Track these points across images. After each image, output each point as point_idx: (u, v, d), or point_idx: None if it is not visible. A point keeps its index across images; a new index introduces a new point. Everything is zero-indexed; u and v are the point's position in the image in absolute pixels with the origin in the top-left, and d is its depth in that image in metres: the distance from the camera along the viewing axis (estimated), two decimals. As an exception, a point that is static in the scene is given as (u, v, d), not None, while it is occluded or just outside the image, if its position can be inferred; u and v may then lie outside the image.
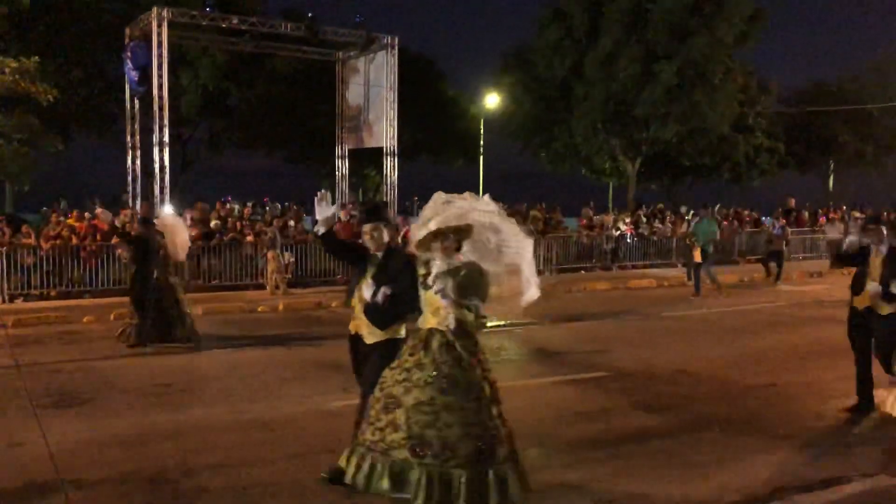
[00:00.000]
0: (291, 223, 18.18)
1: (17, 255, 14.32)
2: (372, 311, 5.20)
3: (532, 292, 5.07)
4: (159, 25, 18.01)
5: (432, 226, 4.89)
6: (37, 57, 17.69)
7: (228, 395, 7.89)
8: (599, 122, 29.23)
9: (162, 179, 18.66)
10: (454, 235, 4.90)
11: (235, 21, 19.72)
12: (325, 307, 14.24)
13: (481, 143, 32.95)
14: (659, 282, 18.12)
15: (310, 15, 20.44)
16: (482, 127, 33.08)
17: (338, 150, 24.42)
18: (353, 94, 23.48)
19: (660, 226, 22.71)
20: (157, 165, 18.65)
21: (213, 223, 17.33)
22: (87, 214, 16.68)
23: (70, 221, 16.42)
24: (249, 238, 16.69)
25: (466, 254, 4.99)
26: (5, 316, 12.50)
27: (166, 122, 18.60)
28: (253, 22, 20.17)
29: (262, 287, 15.82)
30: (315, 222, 5.66)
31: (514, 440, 4.96)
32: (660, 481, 5.42)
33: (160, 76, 18.24)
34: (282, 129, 30.47)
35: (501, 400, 5.00)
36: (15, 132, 18.84)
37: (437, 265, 4.90)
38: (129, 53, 19.29)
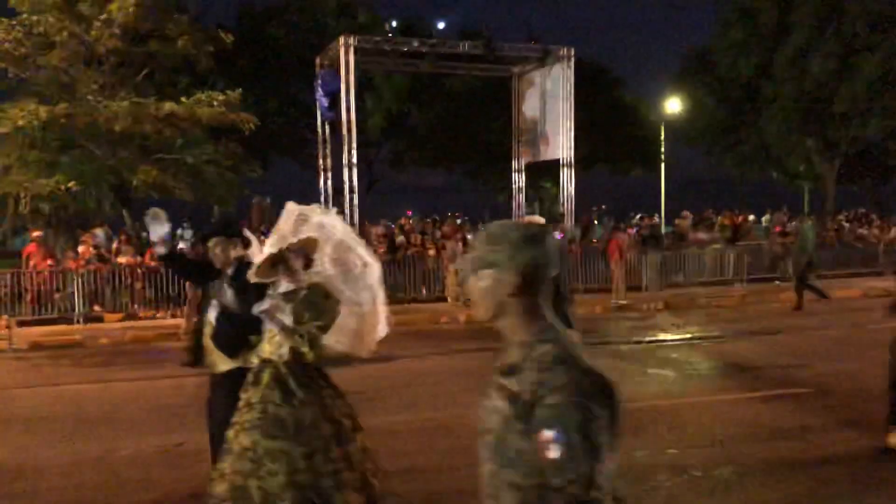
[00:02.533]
0: (470, 236, 18.59)
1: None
2: (219, 335, 4.74)
3: (383, 327, 4.67)
4: (346, 52, 19.08)
5: (268, 249, 4.37)
6: (240, 89, 19.32)
7: (413, 402, 8.18)
8: (792, 122, 27.50)
9: (351, 199, 19.70)
10: (296, 252, 4.33)
11: (416, 44, 20.51)
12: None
13: (661, 149, 31.97)
14: (864, 291, 16.71)
15: (486, 33, 20.86)
16: (662, 133, 32.12)
17: (514, 164, 24.64)
18: (529, 107, 23.63)
19: (865, 231, 20.97)
20: (346, 185, 19.72)
21: (398, 238, 18.08)
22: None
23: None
24: (431, 252, 17.24)
25: (327, 273, 4.49)
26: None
27: (354, 144, 19.63)
28: (433, 43, 20.88)
29: (444, 299, 16.28)
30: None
31: (374, 485, 4.33)
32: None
33: (348, 101, 19.30)
34: (459, 145, 31.22)
35: (357, 439, 4.36)
36: (223, 159, 20.62)
37: (282, 286, 4.35)
38: (319, 81, 20.60)
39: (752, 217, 22.59)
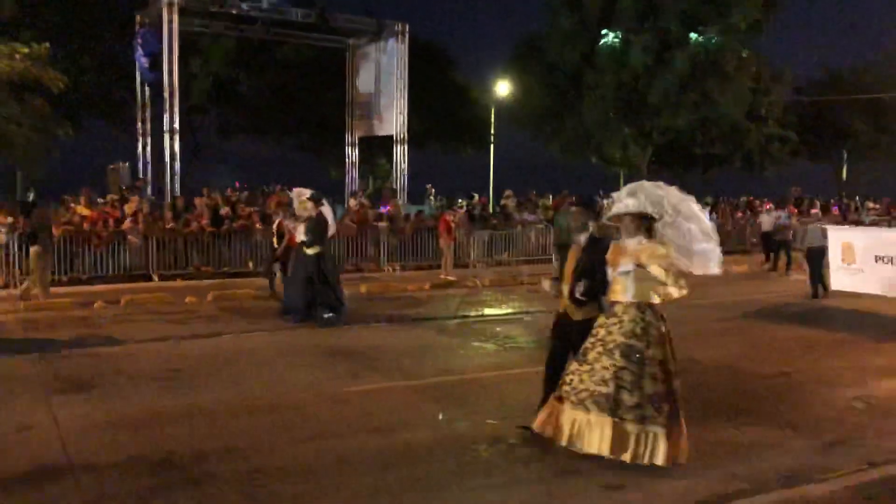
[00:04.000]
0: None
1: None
2: None
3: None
4: (169, 11, 18.02)
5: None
6: (47, 43, 17.71)
7: (238, 381, 7.92)
8: (611, 111, 29.08)
9: (172, 166, 18.71)
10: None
11: (246, 7, 19.71)
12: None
13: (492, 131, 32.84)
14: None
15: (321, 2, 20.41)
16: (493, 115, 32.97)
17: (348, 138, 24.42)
18: (364, 81, 23.46)
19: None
20: (167, 153, 18.70)
21: (222, 210, 17.39)
22: (100, 200, 16.76)
23: (80, 209, 16.49)
24: (258, 225, 16.71)
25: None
26: (17, 301, 12.60)
27: (177, 109, 18.63)
28: (264, 9, 20.14)
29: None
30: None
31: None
32: (664, 469, 5.39)
33: (170, 62, 18.27)
34: (291, 116, 30.45)
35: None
36: (26, 118, 18.86)
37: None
38: (139, 40, 19.34)
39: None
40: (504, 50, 60.81)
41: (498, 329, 11.17)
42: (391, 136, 22.49)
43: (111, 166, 20.46)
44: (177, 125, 18.71)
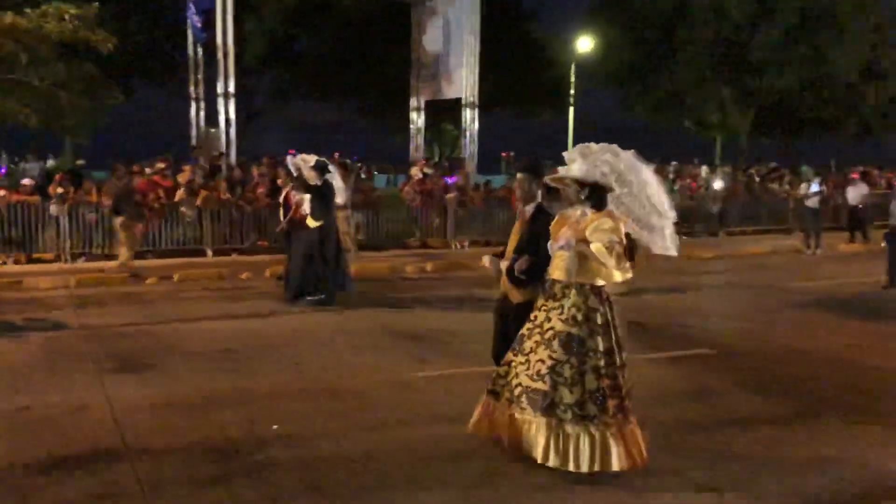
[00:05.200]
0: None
1: (80, 212, 14.98)
2: None
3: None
4: (223, -34, 18.32)
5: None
6: (96, 3, 18.22)
7: (299, 362, 8.11)
8: (707, 69, 28.37)
9: (228, 133, 19.09)
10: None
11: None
12: (398, 272, 14.44)
13: (571, 92, 32.47)
14: (773, 249, 17.67)
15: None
16: (573, 74, 32.57)
17: (412, 102, 24.48)
18: (431, 39, 23.45)
19: (775, 186, 22.05)
20: (221, 117, 19.08)
21: (279, 180, 17.67)
22: (147, 170, 17.24)
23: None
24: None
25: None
26: (68, 276, 13.14)
27: (232, 71, 18.97)
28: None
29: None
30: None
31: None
32: (767, 469, 5.32)
33: (224, 21, 18.59)
34: (352, 78, 30.69)
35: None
36: (74, 82, 19.46)
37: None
38: (191, -3, 19.71)
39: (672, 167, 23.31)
40: (586, 1, 59.78)
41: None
42: (460, 99, 22.45)
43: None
44: (232, 88, 19.07)
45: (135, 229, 14.09)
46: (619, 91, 32.68)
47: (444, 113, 28.52)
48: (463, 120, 22.41)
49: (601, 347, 5.06)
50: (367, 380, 7.44)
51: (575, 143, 25.54)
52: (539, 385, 5.07)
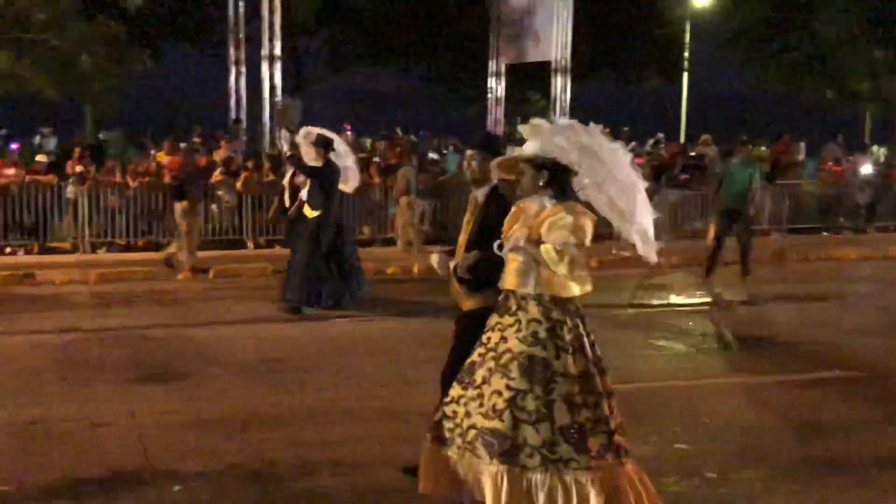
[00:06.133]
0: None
1: (101, 194, 15.40)
2: None
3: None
4: None
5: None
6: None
7: (352, 375, 8.20)
8: (856, 26, 27.69)
9: (272, 104, 19.33)
10: None
11: None
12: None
13: (685, 55, 31.98)
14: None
15: None
16: (688, 33, 32.09)
17: (491, 66, 24.45)
18: (515, -9, 23.39)
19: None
20: (266, 85, 19.33)
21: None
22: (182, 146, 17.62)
23: (160, 156, 17.44)
24: (377, 180, 17.09)
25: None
26: (87, 268, 13.53)
27: (278, 30, 19.19)
28: None
29: (391, 243, 16.25)
30: None
31: None
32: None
33: (269, -29, 18.85)
34: (420, 39, 30.77)
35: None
36: (97, 43, 19.96)
37: None
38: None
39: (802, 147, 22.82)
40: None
41: (690, 323, 10.98)
42: (549, 63, 22.36)
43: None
44: (278, 51, 19.29)
45: (199, 218, 14.30)
46: (744, 54, 32.07)
47: (529, 79, 28.41)
48: (552, 88, 22.32)
49: (573, 370, 4.64)
50: (432, 398, 7.46)
51: (689, 116, 25.00)
52: (496, 424, 4.61)
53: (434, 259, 5.59)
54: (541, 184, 4.75)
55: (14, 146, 18.69)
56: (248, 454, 6.10)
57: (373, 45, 31.70)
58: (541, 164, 4.72)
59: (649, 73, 33.70)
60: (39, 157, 16.69)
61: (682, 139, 28.70)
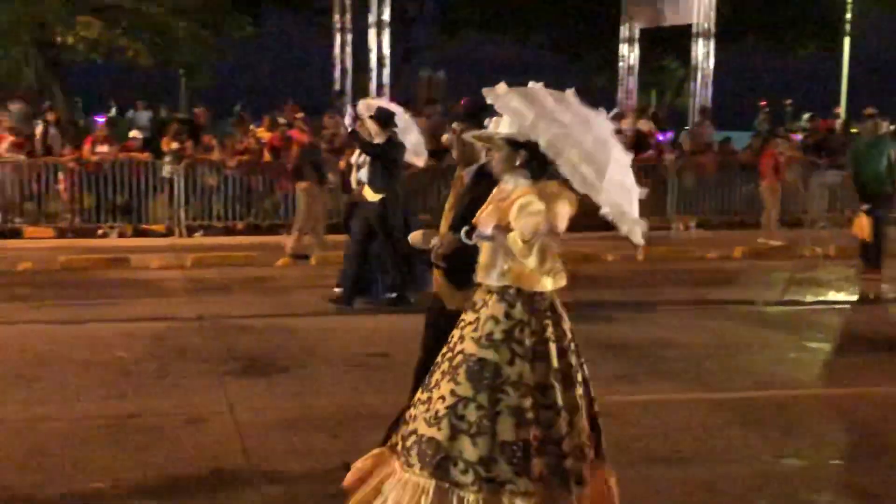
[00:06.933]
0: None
1: (198, 174, 15.83)
2: None
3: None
4: None
5: None
6: None
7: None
8: None
9: (381, 74, 19.53)
10: None
11: None
12: (598, 259, 14.41)
13: (847, 16, 31.07)
14: None
15: None
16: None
17: (623, 32, 24.21)
18: (650, -55, 23.11)
19: None
20: (373, 54, 19.54)
21: (445, 137, 17.98)
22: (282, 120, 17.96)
23: (260, 132, 17.80)
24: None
25: None
26: (183, 253, 13.96)
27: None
28: None
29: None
30: None
31: None
32: None
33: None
34: (541, 3, 30.67)
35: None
36: (193, 9, 20.37)
37: None
38: None
39: None
40: None
41: (848, 323, 10.77)
42: (689, 27, 22.00)
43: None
44: (387, 16, 19.48)
45: (321, 200, 14.43)
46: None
47: (666, 45, 28.04)
48: (693, 55, 21.95)
49: (528, 380, 4.44)
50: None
51: (850, 87, 24.32)
52: (433, 432, 4.48)
53: (416, 235, 5.26)
54: (517, 163, 4.59)
55: (101, 120, 18.95)
56: (355, 455, 6.19)
57: (487, 10, 31.72)
58: (519, 143, 4.55)
59: (805, 38, 32.88)
60: (133, 133, 17.17)
61: (844, 114, 27.88)
